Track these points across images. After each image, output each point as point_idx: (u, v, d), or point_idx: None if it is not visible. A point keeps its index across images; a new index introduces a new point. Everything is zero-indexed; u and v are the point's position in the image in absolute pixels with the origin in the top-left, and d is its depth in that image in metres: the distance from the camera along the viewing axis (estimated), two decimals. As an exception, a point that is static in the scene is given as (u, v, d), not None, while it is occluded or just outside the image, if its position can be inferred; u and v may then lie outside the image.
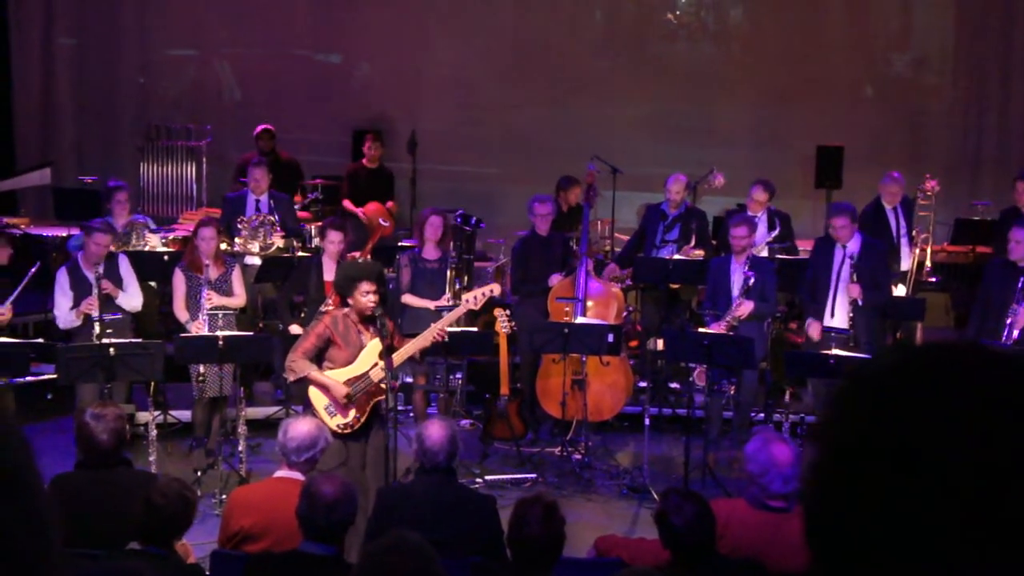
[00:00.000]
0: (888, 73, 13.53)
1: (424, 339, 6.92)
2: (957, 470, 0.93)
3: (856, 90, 13.37)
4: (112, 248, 8.40)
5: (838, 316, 8.50)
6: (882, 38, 13.53)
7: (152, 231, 9.82)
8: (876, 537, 0.96)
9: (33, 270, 8.23)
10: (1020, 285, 7.96)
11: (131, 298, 8.31)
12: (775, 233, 9.60)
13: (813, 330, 8.55)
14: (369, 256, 9.70)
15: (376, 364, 6.61)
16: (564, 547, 4.31)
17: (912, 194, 10.34)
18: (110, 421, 5.11)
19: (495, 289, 7.49)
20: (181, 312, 8.44)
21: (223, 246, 9.28)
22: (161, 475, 5.55)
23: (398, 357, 6.69)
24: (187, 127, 13.43)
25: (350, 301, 6.61)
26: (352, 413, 6.58)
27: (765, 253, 9.39)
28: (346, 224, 9.40)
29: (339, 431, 6.44)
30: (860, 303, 8.37)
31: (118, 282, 8.27)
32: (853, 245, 8.51)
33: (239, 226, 9.64)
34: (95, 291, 7.98)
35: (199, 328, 8.21)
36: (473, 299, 7.36)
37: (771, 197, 9.86)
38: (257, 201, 9.90)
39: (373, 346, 6.64)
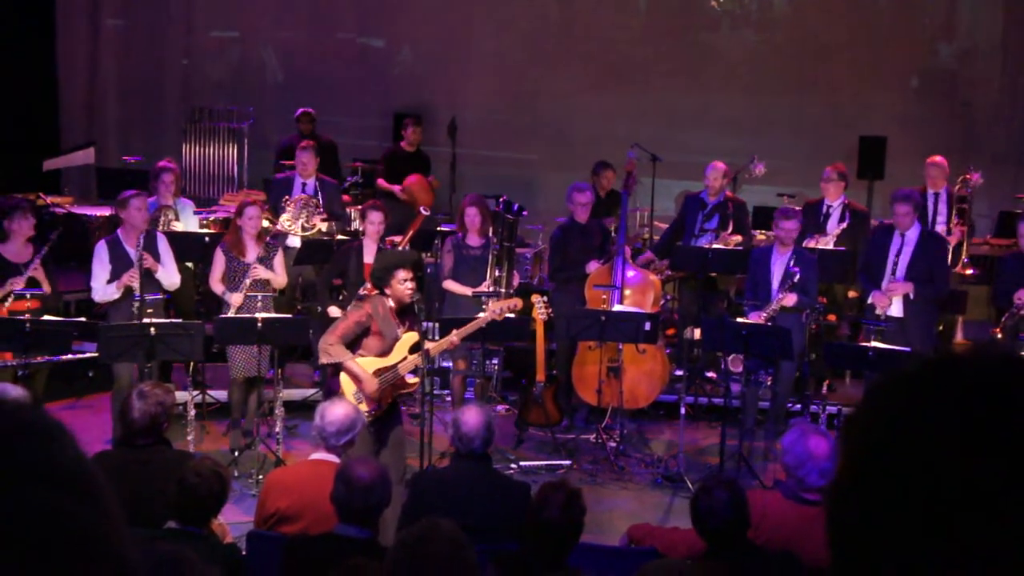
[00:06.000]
0: (934, 64, 13.38)
1: (441, 345, 7.06)
2: (978, 477, 0.93)
3: (902, 81, 13.24)
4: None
5: (893, 305, 8.47)
6: (929, 29, 13.38)
7: (195, 213, 9.84)
8: (894, 543, 0.96)
9: (53, 235, 8.29)
10: None
11: (170, 275, 8.28)
12: (843, 225, 9.47)
13: (876, 299, 8.50)
14: (408, 245, 9.72)
15: (405, 358, 6.66)
16: (580, 536, 4.30)
17: (955, 185, 10.21)
18: (150, 403, 5.16)
19: (518, 304, 7.64)
20: (217, 285, 8.43)
21: (266, 224, 9.30)
22: (196, 455, 5.60)
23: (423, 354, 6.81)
24: (230, 109, 13.50)
25: (387, 290, 6.65)
26: (375, 404, 6.66)
27: (831, 245, 9.29)
28: (386, 206, 9.42)
29: None
30: (912, 296, 8.41)
31: (156, 259, 8.28)
32: (911, 235, 8.49)
33: (284, 206, 9.68)
34: (136, 263, 7.99)
35: (237, 302, 8.25)
36: (499, 311, 7.46)
37: (844, 180, 9.68)
38: (304, 184, 9.93)
39: (406, 339, 6.69)
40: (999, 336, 8.24)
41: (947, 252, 8.99)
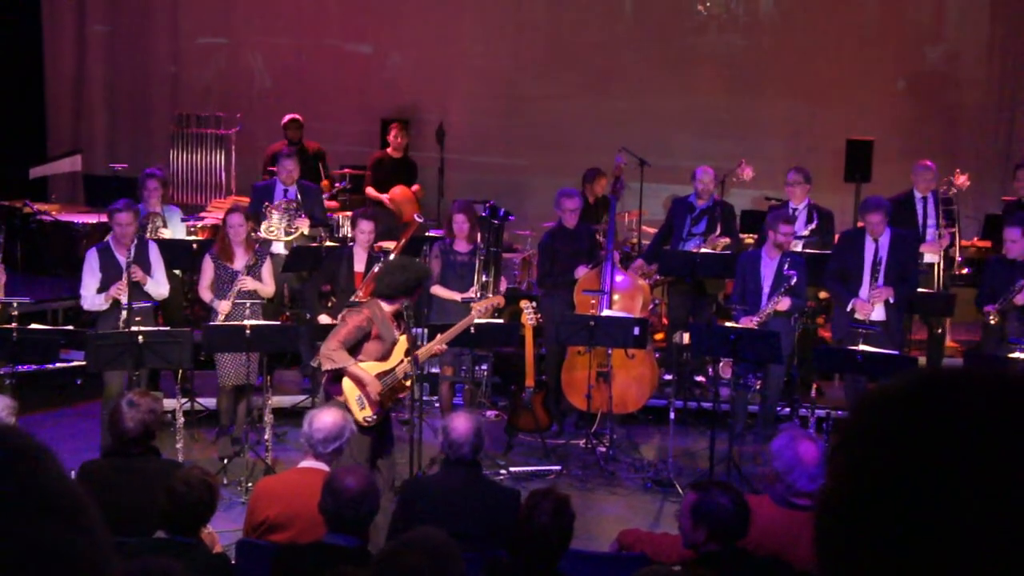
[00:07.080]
0: (921, 66, 13.42)
1: (430, 349, 7.01)
2: (974, 488, 0.93)
3: (888, 83, 13.27)
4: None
5: (876, 309, 8.50)
6: (915, 30, 13.41)
7: (183, 220, 9.81)
8: (888, 553, 0.97)
9: (0, 238, 8.29)
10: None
11: (158, 285, 8.29)
12: (811, 227, 9.51)
13: (859, 306, 8.50)
14: (400, 251, 9.70)
15: (402, 361, 6.64)
16: (570, 543, 4.30)
17: (940, 188, 10.23)
18: (142, 411, 5.15)
19: (500, 302, 7.73)
20: (205, 292, 8.45)
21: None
22: (186, 463, 5.59)
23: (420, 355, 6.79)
24: (217, 115, 13.48)
25: (407, 299, 6.64)
26: (378, 408, 6.63)
27: (799, 247, 9.31)
28: (376, 214, 9.41)
29: (364, 423, 6.46)
30: (892, 300, 8.47)
31: (147, 268, 8.24)
32: (884, 240, 8.53)
33: (265, 212, 9.66)
34: (125, 276, 7.98)
35: (225, 309, 8.24)
36: (483, 310, 7.51)
37: (808, 183, 9.73)
38: (285, 191, 9.92)
39: (403, 341, 6.68)
40: (993, 321, 8.27)
41: (916, 250, 9.10)
